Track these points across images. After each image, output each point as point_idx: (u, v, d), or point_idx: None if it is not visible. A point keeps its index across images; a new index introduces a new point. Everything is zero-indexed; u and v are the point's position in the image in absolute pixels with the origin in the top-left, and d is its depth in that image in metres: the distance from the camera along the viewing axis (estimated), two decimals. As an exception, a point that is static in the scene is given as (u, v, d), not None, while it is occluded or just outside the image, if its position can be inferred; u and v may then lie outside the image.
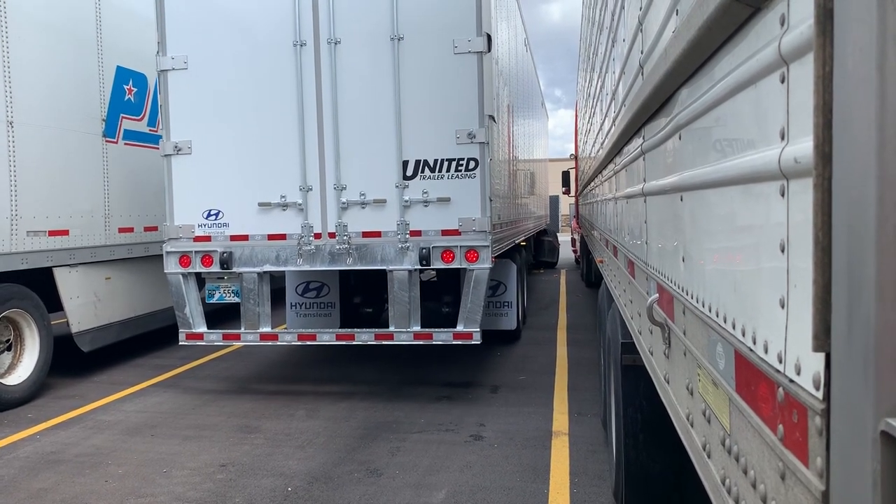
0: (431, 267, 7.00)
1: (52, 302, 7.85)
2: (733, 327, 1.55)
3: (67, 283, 7.98)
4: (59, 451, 5.86)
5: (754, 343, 1.39)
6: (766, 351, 1.32)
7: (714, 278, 1.75)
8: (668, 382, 2.48)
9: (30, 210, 7.47)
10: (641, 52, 2.91)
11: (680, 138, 2.17)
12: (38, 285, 7.64)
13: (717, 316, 1.69)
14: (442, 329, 6.93)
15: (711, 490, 1.76)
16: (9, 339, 7.47)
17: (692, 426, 2.03)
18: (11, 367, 7.43)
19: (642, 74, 2.87)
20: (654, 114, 2.69)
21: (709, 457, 1.81)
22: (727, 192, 1.61)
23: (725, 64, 1.59)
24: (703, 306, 1.83)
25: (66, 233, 7.99)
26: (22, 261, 7.34)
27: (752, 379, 1.40)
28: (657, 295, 2.64)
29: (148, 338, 9.78)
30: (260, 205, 7.12)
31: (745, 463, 1.47)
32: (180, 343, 7.37)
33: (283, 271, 7.56)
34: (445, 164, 6.84)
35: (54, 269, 7.79)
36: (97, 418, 6.77)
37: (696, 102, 1.88)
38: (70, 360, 8.58)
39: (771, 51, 1.24)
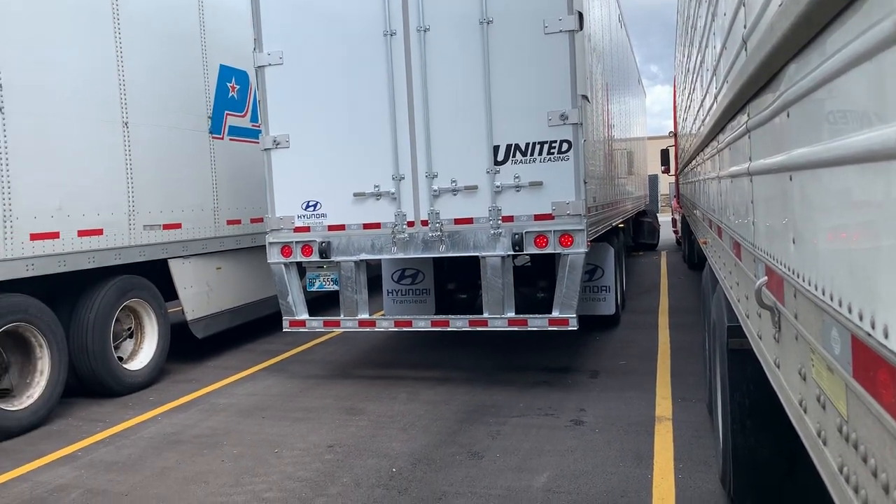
0: (524, 252, 6.97)
1: (168, 292, 8.35)
2: (849, 311, 1.49)
3: (181, 274, 8.45)
4: (179, 431, 6.25)
5: (873, 327, 1.33)
6: (885, 336, 1.26)
7: (828, 261, 1.68)
8: (778, 367, 2.40)
9: (145, 205, 7.95)
10: (745, 27, 2.80)
11: (788, 116, 2.09)
12: (155, 276, 8.14)
13: (832, 299, 1.63)
14: (537, 315, 6.91)
15: (828, 478, 1.71)
16: (130, 328, 8.00)
17: (805, 412, 1.97)
18: (133, 354, 7.97)
19: (746, 50, 2.76)
20: (759, 90, 2.59)
21: (824, 444, 1.75)
22: (841, 172, 1.54)
23: (838, 38, 1.52)
24: (816, 289, 1.77)
25: (178, 226, 8.46)
26: (140, 253, 7.83)
27: (871, 364, 1.35)
28: (766, 277, 2.55)
29: (256, 324, 10.23)
30: (355, 195, 7.29)
31: (864, 451, 1.42)
32: (284, 330, 7.70)
33: (379, 259, 7.75)
34: (537, 147, 6.77)
35: (169, 261, 8.27)
36: (212, 401, 7.17)
37: (806, 78, 1.80)
38: (186, 346, 9.09)
39: (890, 23, 1.18)
